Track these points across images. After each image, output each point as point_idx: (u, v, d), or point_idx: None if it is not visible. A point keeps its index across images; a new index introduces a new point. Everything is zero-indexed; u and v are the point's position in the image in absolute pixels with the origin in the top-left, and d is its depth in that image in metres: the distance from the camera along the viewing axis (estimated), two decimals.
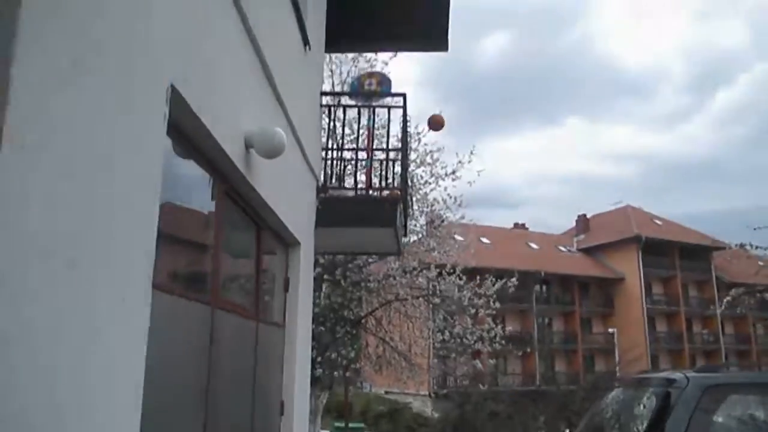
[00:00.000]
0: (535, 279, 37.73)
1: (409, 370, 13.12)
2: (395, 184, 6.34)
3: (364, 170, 6.79)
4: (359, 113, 6.39)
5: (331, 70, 11.55)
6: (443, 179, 12.27)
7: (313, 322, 5.97)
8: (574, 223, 48.94)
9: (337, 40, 6.65)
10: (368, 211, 5.72)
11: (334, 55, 10.82)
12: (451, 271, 12.30)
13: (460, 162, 12.39)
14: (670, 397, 3.95)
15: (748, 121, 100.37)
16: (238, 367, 3.72)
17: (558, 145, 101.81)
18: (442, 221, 12.77)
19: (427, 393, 28.16)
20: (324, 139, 6.37)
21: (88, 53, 1.77)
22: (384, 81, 6.35)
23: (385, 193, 6.13)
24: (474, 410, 21.49)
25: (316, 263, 8.14)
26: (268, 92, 3.90)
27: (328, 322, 11.50)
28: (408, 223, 7.04)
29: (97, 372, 1.80)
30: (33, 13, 1.47)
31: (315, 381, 9.54)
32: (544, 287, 40.67)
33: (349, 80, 11.15)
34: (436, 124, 7.03)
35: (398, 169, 6.52)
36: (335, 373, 11.86)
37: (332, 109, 6.45)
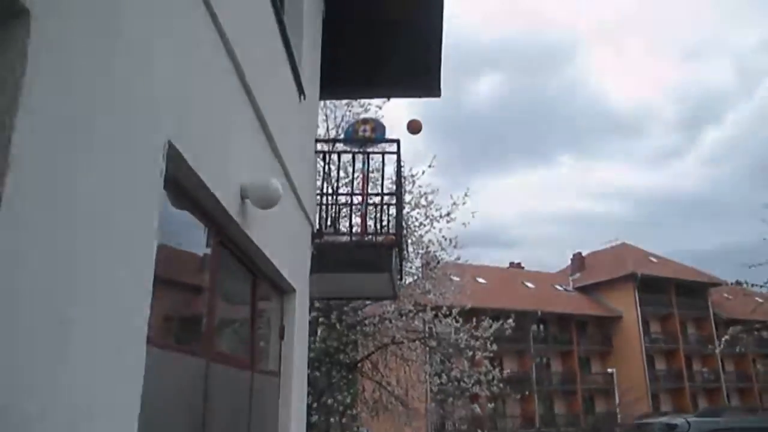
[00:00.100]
0: (532, 319, 37.55)
1: (407, 415, 12.93)
2: (390, 228, 6.37)
3: (359, 213, 6.82)
4: (354, 158, 6.46)
5: (326, 115, 11.73)
6: (438, 221, 12.35)
7: (308, 367, 5.91)
8: (569, 262, 48.96)
9: (332, 88, 6.77)
10: (363, 257, 5.72)
11: (328, 101, 10.98)
12: (448, 313, 12.25)
13: (454, 203, 12.50)
14: None
15: (738, 158, 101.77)
16: (232, 421, 3.66)
17: (551, 184, 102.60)
18: (438, 263, 12.78)
19: None
20: (319, 183, 6.42)
21: (89, 112, 1.79)
22: (378, 127, 6.43)
23: (380, 238, 6.15)
24: None
25: (312, 306, 8.09)
26: (263, 142, 3.94)
27: (323, 366, 11.36)
28: (403, 265, 7.05)
29: None
30: (38, 72, 1.50)
31: (311, 428, 9.37)
32: (541, 327, 40.41)
33: (344, 124, 11.31)
34: (414, 128, 7.10)
35: (393, 211, 6.56)
36: (331, 419, 11.66)
37: (327, 154, 6.51)
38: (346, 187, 9.12)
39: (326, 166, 7.18)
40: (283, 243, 4.52)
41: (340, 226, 7.45)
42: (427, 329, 12.08)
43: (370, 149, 6.51)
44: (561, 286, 45.52)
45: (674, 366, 42.65)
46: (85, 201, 1.77)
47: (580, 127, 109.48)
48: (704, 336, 43.26)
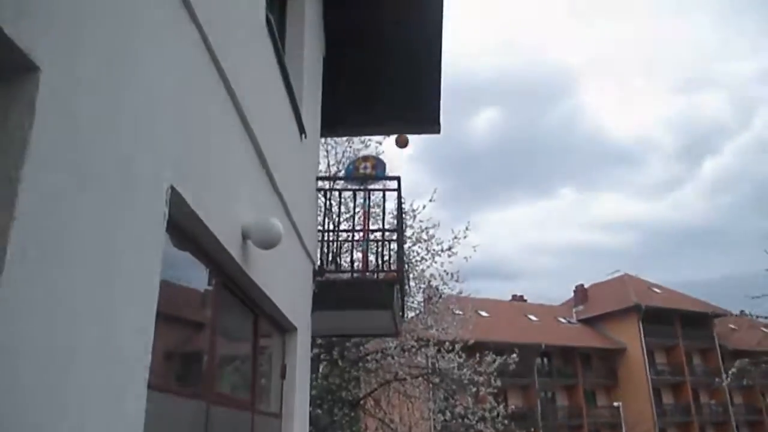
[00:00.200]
0: (535, 352, 37.18)
1: None
2: (392, 264, 6.36)
3: (361, 249, 6.83)
4: (355, 194, 6.51)
5: (327, 151, 11.83)
6: (439, 255, 12.34)
7: (310, 405, 5.84)
8: (571, 294, 48.68)
9: (332, 125, 6.85)
10: (365, 294, 5.71)
11: (329, 138, 11.08)
12: (451, 348, 12.15)
13: (455, 238, 12.51)
14: None
15: (737, 188, 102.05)
16: None
17: (552, 216, 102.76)
18: (440, 297, 12.73)
19: None
20: (320, 218, 6.44)
21: (94, 162, 1.82)
22: (379, 164, 6.49)
23: (382, 274, 6.14)
24: None
25: (313, 343, 8.04)
26: (265, 182, 3.98)
27: (325, 404, 11.23)
28: (405, 300, 7.03)
29: None
30: (45, 125, 1.53)
31: None
32: (545, 360, 39.96)
33: (345, 160, 11.40)
34: (401, 142, 7.17)
35: (394, 246, 6.57)
36: None
37: (328, 192, 6.56)
38: (348, 222, 9.15)
39: (327, 202, 7.21)
40: (285, 282, 4.52)
41: (342, 262, 7.44)
42: (430, 365, 11.97)
43: (371, 186, 6.55)
44: (564, 319, 45.17)
45: (681, 399, 42.01)
46: (88, 249, 1.79)
47: (580, 159, 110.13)
48: (711, 368, 42.68)
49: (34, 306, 1.52)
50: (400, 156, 51.80)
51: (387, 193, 6.47)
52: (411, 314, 12.20)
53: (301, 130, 5.12)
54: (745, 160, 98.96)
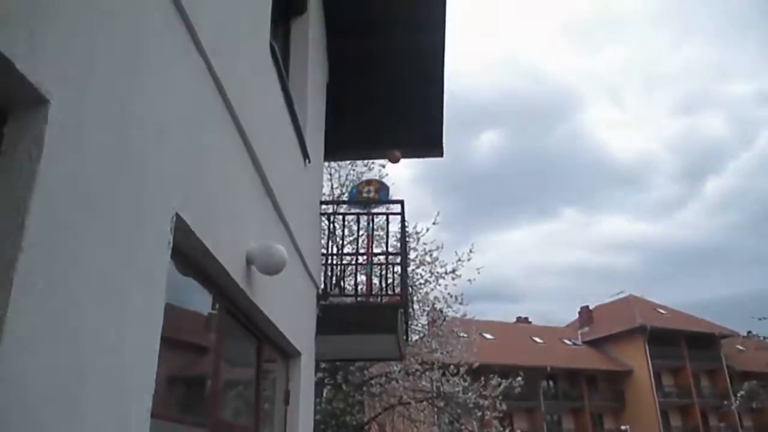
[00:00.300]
0: (541, 374, 36.85)
1: None
2: (395, 286, 6.35)
3: (364, 273, 6.82)
4: (358, 217, 6.53)
5: (330, 174, 11.88)
6: (443, 278, 12.31)
7: (314, 431, 5.79)
8: (576, 315, 48.39)
9: (336, 150, 6.90)
10: (369, 318, 5.69)
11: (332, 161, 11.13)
12: (455, 371, 12.06)
13: (459, 260, 12.48)
14: None
15: (741, 207, 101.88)
16: None
17: (555, 237, 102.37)
18: (444, 319, 12.67)
19: None
20: (323, 241, 6.45)
21: (100, 194, 1.84)
22: (382, 188, 6.52)
23: (386, 298, 6.13)
24: None
25: (317, 367, 7.99)
26: (269, 208, 4.00)
27: (329, 429, 11.13)
28: (409, 324, 7.00)
29: None
30: (53, 157, 1.55)
31: None
32: (550, 383, 39.58)
33: (348, 183, 11.44)
34: (394, 159, 7.20)
35: (398, 269, 6.57)
36: None
37: (332, 216, 6.58)
38: (351, 245, 9.17)
39: (331, 226, 7.23)
40: (289, 307, 4.51)
41: (346, 285, 7.44)
42: (434, 389, 11.87)
43: (374, 210, 6.57)
44: (569, 341, 44.85)
45: (690, 422, 41.42)
46: (94, 279, 1.80)
47: (582, 180, 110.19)
48: (719, 389, 42.20)
49: (41, 337, 1.52)
50: (402, 178, 51.97)
51: (390, 216, 6.50)
52: (415, 337, 12.14)
53: (305, 155, 5.16)
54: (748, 180, 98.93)
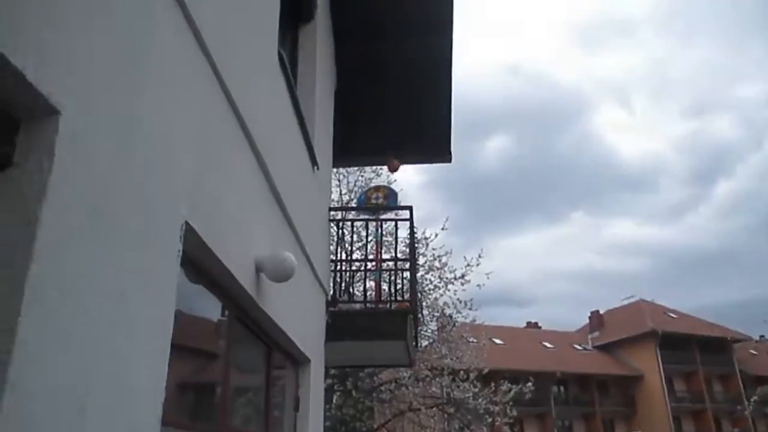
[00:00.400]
0: (551, 380, 36.64)
1: None
2: (405, 292, 6.34)
3: (373, 279, 6.82)
4: (367, 223, 6.54)
5: (338, 180, 11.89)
6: (452, 283, 12.27)
7: None
8: (586, 320, 48.10)
9: (344, 156, 6.91)
10: (378, 324, 5.68)
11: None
12: (465, 377, 12.00)
13: (468, 265, 12.45)
14: None
15: (752, 209, 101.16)
16: None
17: (565, 241, 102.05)
18: (453, 325, 12.62)
19: None
20: (332, 247, 6.45)
21: (110, 203, 1.85)
22: (390, 195, 6.52)
23: (395, 305, 6.12)
24: None
25: (326, 373, 7.98)
26: (278, 215, 4.00)
27: None
28: (418, 330, 6.98)
29: None
30: (63, 167, 1.56)
31: None
32: (561, 388, 39.32)
33: (356, 189, 11.44)
34: (393, 168, 7.21)
35: (407, 275, 6.55)
36: None
37: (340, 222, 6.59)
38: (360, 251, 9.17)
39: (339, 232, 7.23)
40: (298, 314, 4.52)
41: (355, 291, 7.43)
42: (444, 395, 11.82)
43: (383, 216, 6.57)
44: (580, 346, 44.57)
45: (703, 427, 40.97)
46: (105, 287, 1.80)
47: (591, 184, 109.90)
48: (732, 394, 41.75)
49: (52, 345, 1.53)
50: (411, 184, 52.02)
51: (399, 222, 6.50)
52: (425, 343, 12.11)
53: (314, 162, 5.17)
54: (759, 182, 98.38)
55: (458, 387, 11.89)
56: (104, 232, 1.82)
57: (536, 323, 47.94)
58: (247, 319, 3.62)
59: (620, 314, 45.25)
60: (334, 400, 11.22)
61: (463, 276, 12.30)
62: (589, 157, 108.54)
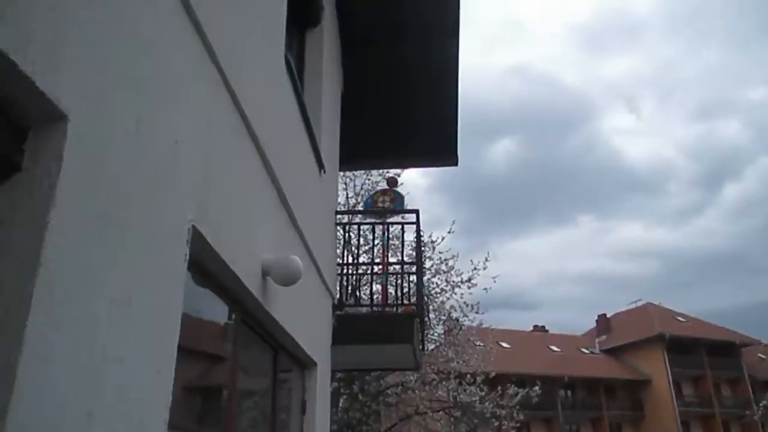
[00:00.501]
0: (558, 384, 36.49)
1: None
2: (411, 296, 6.34)
3: (380, 282, 6.82)
4: (374, 227, 6.54)
5: (345, 183, 11.91)
6: (459, 286, 12.26)
7: None
8: (593, 323, 47.89)
9: (351, 159, 6.92)
10: (385, 328, 5.68)
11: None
12: (472, 380, 11.98)
13: (475, 269, 12.43)
14: None
15: (761, 212, 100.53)
16: None
17: (572, 245, 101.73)
18: (460, 328, 12.60)
19: None
20: (339, 251, 6.46)
21: (118, 207, 1.86)
22: (397, 198, 6.52)
23: (401, 308, 6.11)
24: None
25: (333, 376, 7.98)
26: (284, 218, 4.01)
27: None
28: (425, 333, 6.97)
29: None
30: (71, 171, 1.57)
31: None
32: (568, 392, 39.15)
33: (363, 193, 11.45)
34: (391, 183, 7.25)
35: (414, 278, 6.55)
36: None
37: (347, 225, 6.59)
38: (367, 254, 9.17)
39: (346, 235, 7.24)
40: (305, 317, 4.52)
41: (361, 294, 7.43)
42: (451, 398, 11.79)
43: (390, 219, 6.57)
44: (587, 349, 44.38)
45: None
46: (111, 291, 1.81)
47: (598, 188, 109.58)
48: (741, 399, 41.42)
49: (60, 349, 1.53)
50: (418, 187, 52.00)
51: (406, 225, 6.50)
52: (431, 347, 12.10)
53: (320, 165, 5.17)
54: (767, 185, 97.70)
55: (465, 391, 11.87)
56: (112, 236, 1.83)
57: (543, 327, 47.77)
58: (253, 322, 3.62)
59: (628, 318, 45.03)
60: (340, 404, 11.21)
61: (469, 279, 12.29)
62: (597, 160, 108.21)
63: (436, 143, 7.18)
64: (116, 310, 1.83)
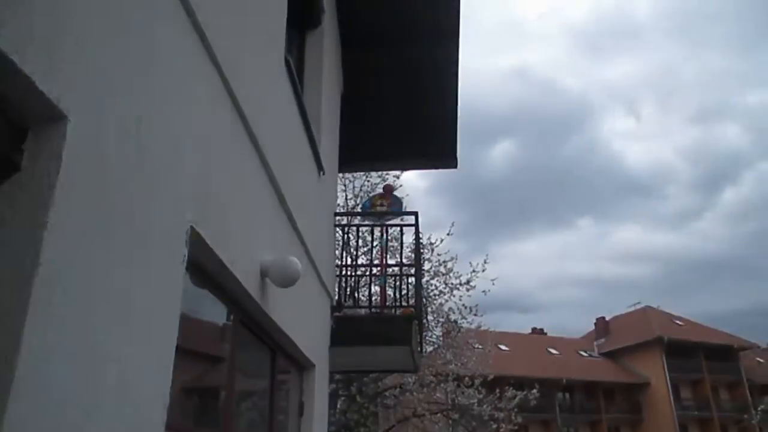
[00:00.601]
0: (557, 386, 36.48)
1: None
2: (409, 297, 6.34)
3: (378, 284, 6.82)
4: (372, 229, 6.54)
5: (344, 186, 11.91)
6: (458, 289, 12.26)
7: None
8: (592, 326, 47.90)
9: (351, 161, 6.92)
10: (383, 330, 5.68)
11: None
12: (470, 383, 11.98)
13: (474, 271, 12.43)
14: None
15: (760, 216, 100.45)
16: None
17: (571, 247, 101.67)
18: (458, 331, 12.60)
19: None
20: (338, 252, 6.46)
21: (117, 207, 1.86)
22: (395, 202, 6.53)
23: (399, 310, 6.11)
24: None
25: (331, 378, 7.97)
26: (283, 220, 4.01)
27: None
28: (423, 335, 6.97)
29: None
30: (70, 171, 1.57)
31: None
32: (566, 395, 39.15)
33: (362, 194, 11.46)
34: (388, 190, 7.28)
35: (412, 280, 6.55)
36: None
37: (346, 227, 6.60)
38: (365, 256, 9.17)
39: (345, 237, 7.25)
40: (303, 319, 4.52)
41: (360, 296, 7.43)
42: (449, 401, 11.79)
43: (388, 221, 6.57)
44: (586, 352, 44.38)
45: None
46: (110, 291, 1.81)
47: (597, 191, 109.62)
48: (739, 402, 41.44)
49: (58, 349, 1.53)
50: (417, 189, 52.02)
51: (404, 227, 6.50)
52: (429, 349, 12.10)
53: (320, 167, 5.18)
54: (767, 189, 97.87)
55: (463, 393, 11.87)
56: (110, 236, 1.83)
57: (542, 329, 47.78)
58: (251, 323, 3.62)
59: (626, 321, 45.05)
60: (338, 405, 11.21)
61: (468, 282, 12.30)
62: (596, 162, 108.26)
63: (436, 145, 7.19)
64: (115, 310, 1.84)
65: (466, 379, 11.98)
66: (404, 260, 6.55)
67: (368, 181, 12.09)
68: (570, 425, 39.25)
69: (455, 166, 7.38)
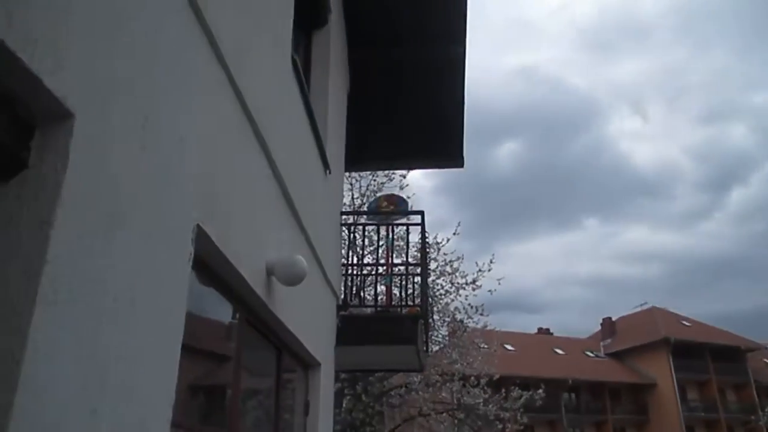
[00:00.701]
0: (563, 387, 36.39)
1: None
2: (415, 296, 6.33)
3: (384, 283, 6.82)
4: (378, 229, 6.54)
5: (351, 184, 11.91)
6: (464, 288, 12.25)
7: None
8: (598, 327, 47.74)
9: (357, 160, 6.92)
10: (389, 329, 5.67)
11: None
12: (476, 382, 11.96)
13: (480, 270, 12.42)
14: None
15: (766, 216, 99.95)
16: None
17: (577, 247, 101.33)
18: (464, 330, 12.59)
19: None
20: (344, 251, 6.45)
21: (123, 205, 1.86)
22: (401, 204, 6.53)
23: (405, 309, 6.11)
24: None
25: (337, 377, 7.98)
26: (289, 219, 4.01)
27: None
28: (429, 335, 6.96)
29: None
30: (77, 169, 1.57)
31: None
32: (572, 395, 39.04)
33: (369, 194, 11.45)
34: (391, 202, 7.29)
35: (418, 279, 6.54)
36: None
37: (352, 226, 6.60)
38: (371, 255, 9.18)
39: (351, 236, 7.24)
40: (309, 317, 4.52)
41: (366, 295, 7.42)
42: (455, 400, 11.78)
43: (395, 220, 6.57)
44: (592, 353, 44.23)
45: None
46: (115, 289, 1.81)
47: (604, 191, 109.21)
48: (745, 404, 41.20)
49: (64, 347, 1.54)
50: (423, 189, 52.04)
51: (411, 227, 6.50)
52: (435, 348, 12.09)
53: (326, 165, 5.18)
54: None
55: (468, 393, 11.86)
56: (116, 234, 1.83)
57: (548, 329, 47.66)
58: (257, 322, 3.63)
59: (633, 321, 44.87)
60: (344, 404, 11.21)
61: (474, 281, 12.29)
62: (603, 162, 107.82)
63: (442, 145, 7.18)
64: (121, 308, 1.84)
65: (472, 378, 11.97)
66: (410, 259, 6.53)
67: (375, 180, 12.10)
68: (576, 426, 39.12)
69: (462, 166, 7.37)
